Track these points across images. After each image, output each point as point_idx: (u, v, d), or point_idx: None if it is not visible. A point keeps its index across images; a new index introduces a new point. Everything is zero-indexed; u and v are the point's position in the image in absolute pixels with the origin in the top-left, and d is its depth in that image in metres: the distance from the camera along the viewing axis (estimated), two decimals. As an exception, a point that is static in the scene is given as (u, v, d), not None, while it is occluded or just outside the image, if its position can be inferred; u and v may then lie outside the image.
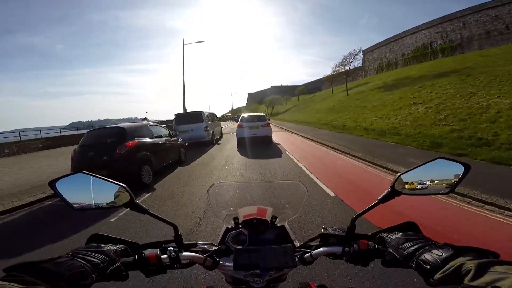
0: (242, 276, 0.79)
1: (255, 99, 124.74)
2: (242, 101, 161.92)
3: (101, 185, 0.74)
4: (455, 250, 0.53)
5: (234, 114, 68.90)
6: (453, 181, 0.74)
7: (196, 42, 21.60)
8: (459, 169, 0.73)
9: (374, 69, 54.07)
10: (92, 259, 0.58)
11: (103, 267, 0.58)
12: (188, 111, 17.75)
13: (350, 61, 33.96)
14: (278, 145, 12.28)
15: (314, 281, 0.95)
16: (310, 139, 13.90)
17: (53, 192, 0.69)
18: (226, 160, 9.20)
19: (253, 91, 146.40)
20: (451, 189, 0.74)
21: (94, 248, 0.63)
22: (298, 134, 16.95)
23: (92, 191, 0.73)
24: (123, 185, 0.74)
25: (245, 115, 14.31)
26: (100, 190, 0.74)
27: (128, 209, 0.75)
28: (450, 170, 0.74)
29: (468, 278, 0.45)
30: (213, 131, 14.54)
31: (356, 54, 33.60)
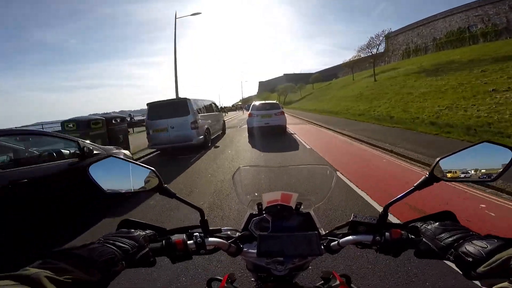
0: (264, 263, 0.77)
1: (267, 87, 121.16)
2: (253, 90, 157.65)
3: (130, 169, 0.73)
4: (501, 242, 0.49)
5: (244, 104, 65.41)
6: (499, 167, 0.65)
7: (192, 15, 18.25)
8: (506, 154, 0.64)
9: (399, 54, 50.11)
10: (122, 245, 0.58)
11: (133, 253, 0.59)
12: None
13: (378, 43, 29.67)
14: (309, 149, 8.41)
15: (337, 270, 0.96)
16: (354, 139, 9.63)
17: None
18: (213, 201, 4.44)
19: (263, 79, 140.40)
20: (496, 176, 0.66)
21: (124, 234, 0.63)
22: (328, 128, 13.37)
23: (122, 175, 0.74)
24: (153, 169, 0.74)
25: (257, 103, 13.09)
26: (130, 174, 0.74)
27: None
28: (496, 156, 0.66)
29: None
30: (207, 128, 10.27)
31: (386, 36, 29.37)
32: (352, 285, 0.90)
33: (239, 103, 63.58)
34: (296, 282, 0.82)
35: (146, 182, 0.75)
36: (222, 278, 0.94)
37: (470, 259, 0.50)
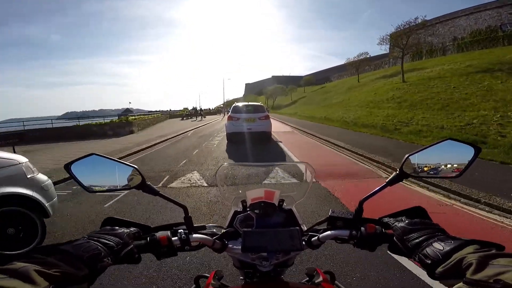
0: (249, 259, 0.80)
1: (253, 90, 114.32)
2: (239, 92, 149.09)
3: (113, 167, 0.75)
4: (457, 243, 0.53)
5: (227, 107, 56.63)
6: (463, 164, 0.71)
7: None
8: (469, 151, 0.70)
9: (409, 55, 43.99)
10: (107, 241, 0.60)
11: (117, 249, 0.60)
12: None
13: (408, 33, 23.45)
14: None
15: (321, 267, 0.99)
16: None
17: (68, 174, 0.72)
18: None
19: (250, 81, 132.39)
20: (461, 173, 0.72)
21: (108, 231, 0.65)
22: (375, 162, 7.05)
23: (104, 173, 0.75)
24: (135, 166, 0.75)
25: (239, 104, 11.88)
26: (113, 172, 0.75)
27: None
28: (460, 152, 0.72)
29: (470, 271, 0.44)
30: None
31: (424, 24, 22.13)
32: (336, 281, 0.95)
33: (221, 105, 54.58)
34: (281, 278, 0.86)
35: (129, 180, 0.76)
36: (209, 275, 0.97)
37: (429, 261, 0.54)
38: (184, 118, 35.98)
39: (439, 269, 0.52)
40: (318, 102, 34.28)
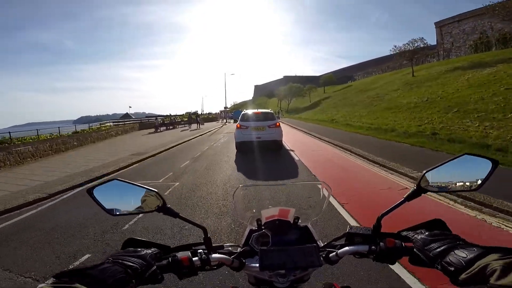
0: (266, 276, 0.82)
1: (263, 91, 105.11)
2: (248, 95, 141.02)
3: (134, 191, 0.80)
4: (480, 251, 0.55)
5: (229, 111, 46.37)
6: (480, 177, 0.73)
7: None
8: (487, 165, 0.72)
9: (466, 46, 39.07)
10: (131, 264, 0.62)
11: (141, 271, 0.63)
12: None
13: None
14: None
15: (338, 282, 1.03)
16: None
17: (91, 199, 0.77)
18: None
19: (260, 83, 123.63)
20: (479, 186, 0.74)
21: (131, 253, 0.68)
22: None
23: (126, 196, 0.80)
24: (155, 190, 0.81)
25: (248, 111, 11.73)
26: (134, 196, 0.80)
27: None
28: (477, 167, 0.73)
29: (494, 277, 0.46)
30: None
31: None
32: None
33: (223, 109, 45.20)
34: None
35: (150, 203, 0.80)
36: None
37: (452, 269, 0.56)
38: (160, 130, 28.48)
39: (463, 276, 0.53)
40: (355, 104, 27.60)
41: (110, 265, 0.58)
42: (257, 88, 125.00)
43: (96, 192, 0.77)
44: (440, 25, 45.14)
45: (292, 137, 14.97)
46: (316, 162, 8.40)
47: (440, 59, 39.62)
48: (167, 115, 39.98)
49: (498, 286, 0.44)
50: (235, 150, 10.92)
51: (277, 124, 10.80)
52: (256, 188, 4.03)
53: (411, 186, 1.70)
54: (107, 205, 0.78)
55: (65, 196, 6.54)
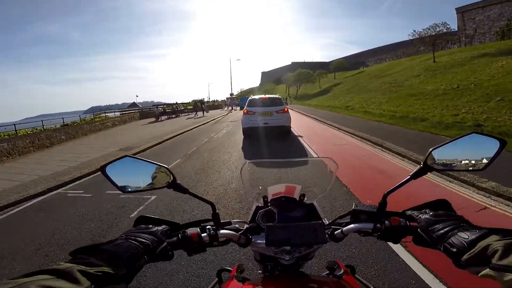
0: (272, 253, 0.84)
1: (270, 78, 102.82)
2: (255, 82, 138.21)
3: (145, 168, 0.80)
4: (482, 232, 0.56)
5: (236, 98, 44.42)
6: (487, 157, 0.72)
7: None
8: (494, 145, 0.71)
9: (491, 33, 37.35)
10: (143, 240, 0.64)
11: (153, 247, 0.65)
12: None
13: None
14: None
15: (342, 260, 1.20)
16: None
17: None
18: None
19: (267, 69, 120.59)
20: (486, 165, 0.73)
21: (144, 230, 0.70)
22: None
23: (137, 173, 0.81)
24: (166, 166, 0.81)
25: (255, 97, 11.49)
26: (145, 172, 0.81)
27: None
28: (484, 146, 0.72)
29: (496, 258, 0.47)
30: None
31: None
32: (356, 275, 0.99)
33: (229, 96, 43.07)
34: (302, 271, 0.89)
35: (160, 179, 0.81)
36: (231, 269, 1.01)
37: (455, 250, 0.56)
38: (161, 119, 26.46)
39: (465, 257, 0.53)
40: (370, 90, 25.55)
41: (124, 241, 0.61)
42: (264, 74, 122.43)
43: (108, 170, 0.77)
44: (462, 11, 43.03)
45: (306, 127, 13.40)
46: (348, 167, 5.86)
47: (462, 45, 37.44)
48: (173, 103, 38.50)
49: (500, 266, 0.45)
50: (239, 144, 9.70)
51: (285, 109, 10.50)
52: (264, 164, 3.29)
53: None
54: (119, 182, 0.78)
55: (13, 211, 5.03)
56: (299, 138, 10.37)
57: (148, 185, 0.81)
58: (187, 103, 40.49)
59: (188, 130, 15.51)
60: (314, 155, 7.48)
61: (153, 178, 0.80)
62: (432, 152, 0.75)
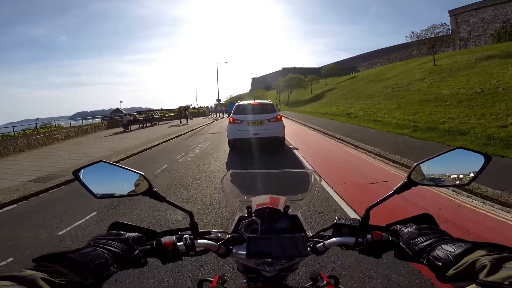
0: (253, 264, 0.82)
1: (261, 84, 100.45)
2: (245, 87, 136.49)
3: (120, 174, 0.78)
4: (468, 246, 0.53)
5: (223, 104, 41.33)
6: (472, 172, 0.72)
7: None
8: (480, 160, 0.71)
9: (486, 35, 36.06)
10: (113, 248, 0.62)
11: (123, 256, 0.63)
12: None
13: None
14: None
15: (325, 272, 1.03)
16: None
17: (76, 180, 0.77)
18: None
19: (257, 75, 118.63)
20: (470, 180, 0.73)
21: (114, 236, 0.67)
22: None
23: (112, 179, 0.78)
24: (142, 173, 0.78)
25: (243, 103, 9.76)
26: (120, 179, 0.78)
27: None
28: (469, 161, 0.72)
29: (483, 274, 0.44)
30: None
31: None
32: (340, 286, 0.97)
33: (215, 103, 39.86)
34: (285, 283, 0.89)
35: (136, 186, 0.78)
36: (212, 280, 0.97)
37: (440, 263, 0.54)
38: (129, 129, 22.17)
39: (451, 272, 0.51)
40: (371, 95, 22.86)
41: (91, 250, 0.58)
42: (255, 80, 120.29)
43: (82, 174, 0.75)
44: (455, 13, 42.36)
45: (310, 144, 10.22)
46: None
47: (456, 48, 35.89)
48: (150, 110, 35.19)
49: (488, 283, 0.43)
50: (214, 176, 6.40)
51: (278, 117, 8.94)
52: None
53: None
54: (93, 188, 0.76)
55: None
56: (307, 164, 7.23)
57: (122, 191, 0.78)
58: (173, 109, 37.36)
59: (151, 147, 11.93)
60: (350, 211, 4.05)
61: (129, 185, 0.78)
62: (417, 167, 0.74)
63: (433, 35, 26.53)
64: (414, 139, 8.78)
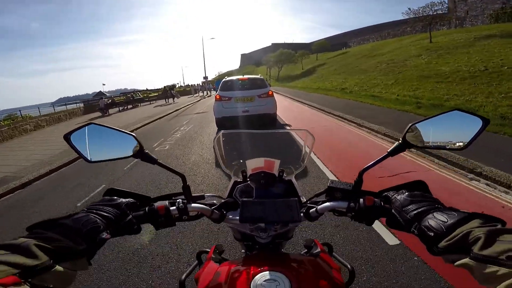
0: (248, 230, 0.82)
1: (251, 60, 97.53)
2: (234, 64, 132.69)
3: (112, 136, 0.75)
4: (461, 216, 0.51)
5: (211, 82, 39.28)
6: (469, 136, 0.69)
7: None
8: (477, 123, 0.67)
9: (485, 15, 34.09)
10: (105, 213, 0.61)
11: (116, 221, 0.62)
12: None
13: None
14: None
15: (321, 239, 1.11)
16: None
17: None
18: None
19: (247, 51, 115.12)
20: (466, 145, 0.70)
21: (107, 202, 0.66)
22: None
23: (103, 142, 0.76)
24: (133, 134, 0.75)
25: (231, 78, 8.98)
26: (111, 141, 0.76)
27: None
28: (466, 124, 0.68)
29: (478, 247, 0.43)
30: None
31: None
32: (334, 253, 0.97)
33: (206, 78, 37.79)
34: (280, 250, 0.89)
35: (127, 147, 0.75)
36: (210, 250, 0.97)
37: (432, 234, 0.51)
38: (108, 113, 20.37)
39: (443, 243, 0.48)
40: (365, 70, 21.87)
41: (84, 215, 0.57)
42: (244, 57, 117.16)
43: (73, 138, 0.72)
44: None
45: (310, 127, 8.05)
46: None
47: (452, 27, 34.78)
48: (133, 91, 33.61)
49: (483, 257, 0.41)
50: (191, 172, 5.17)
51: (270, 92, 8.32)
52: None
53: None
54: (84, 151, 0.73)
55: None
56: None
57: (114, 153, 0.76)
58: (159, 89, 35.50)
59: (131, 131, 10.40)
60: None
61: (119, 146, 0.75)
62: (412, 128, 0.71)
63: (431, 13, 25.77)
64: (421, 116, 7.87)
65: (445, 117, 0.68)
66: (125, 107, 23.41)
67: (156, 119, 14.14)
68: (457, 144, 0.70)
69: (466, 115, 0.67)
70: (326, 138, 6.88)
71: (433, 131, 0.70)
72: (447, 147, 0.72)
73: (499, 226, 0.46)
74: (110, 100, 23.42)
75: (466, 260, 0.43)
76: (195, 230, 3.04)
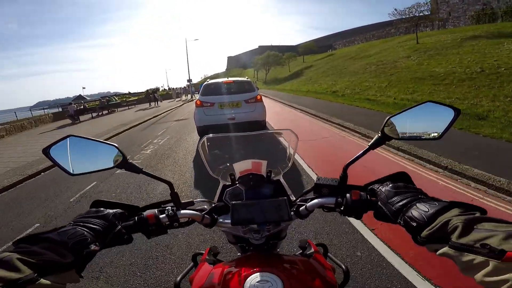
0: (241, 233, 0.81)
1: (237, 63, 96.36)
2: (221, 67, 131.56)
3: (93, 147, 0.74)
4: (441, 205, 0.51)
5: (194, 85, 37.87)
6: (443, 126, 0.71)
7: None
8: (449, 114, 0.69)
9: (467, 16, 34.87)
10: (92, 226, 0.59)
11: (104, 232, 0.60)
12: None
13: None
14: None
15: (314, 240, 1.14)
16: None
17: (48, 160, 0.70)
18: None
19: (233, 54, 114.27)
20: (442, 134, 0.72)
21: (93, 214, 0.64)
22: None
23: (85, 153, 0.74)
24: (115, 145, 0.74)
25: (214, 81, 7.86)
26: (93, 152, 0.74)
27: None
28: (439, 115, 0.71)
29: (456, 235, 0.43)
30: None
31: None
32: (329, 254, 0.97)
33: (190, 81, 37.08)
34: (277, 252, 0.88)
35: (110, 158, 0.74)
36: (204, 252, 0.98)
37: (414, 224, 0.52)
38: (78, 120, 18.27)
39: (425, 232, 0.49)
40: (355, 72, 21.19)
41: (70, 228, 0.55)
42: (231, 59, 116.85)
43: (52, 152, 0.70)
44: None
45: (309, 139, 6.89)
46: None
47: (435, 28, 35.19)
48: (125, 94, 31.80)
49: (460, 245, 0.42)
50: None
51: (258, 97, 7.24)
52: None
53: None
54: (65, 164, 0.71)
55: None
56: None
57: (97, 165, 0.74)
58: (141, 92, 33.99)
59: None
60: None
61: (102, 158, 0.73)
62: (389, 121, 0.73)
63: (417, 14, 25.71)
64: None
65: (420, 109, 0.70)
66: (99, 113, 21.44)
67: (129, 128, 12.52)
68: (432, 134, 0.72)
69: (439, 106, 0.69)
70: (332, 159, 5.40)
71: (409, 123, 0.72)
72: (423, 137, 0.74)
73: (477, 214, 0.46)
74: (81, 106, 20.97)
75: (445, 249, 0.44)
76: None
